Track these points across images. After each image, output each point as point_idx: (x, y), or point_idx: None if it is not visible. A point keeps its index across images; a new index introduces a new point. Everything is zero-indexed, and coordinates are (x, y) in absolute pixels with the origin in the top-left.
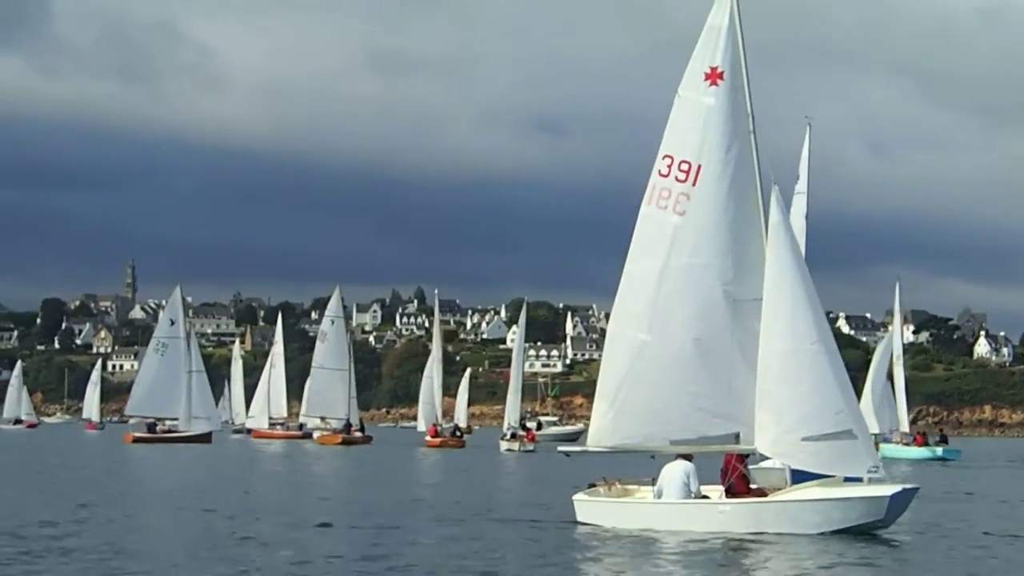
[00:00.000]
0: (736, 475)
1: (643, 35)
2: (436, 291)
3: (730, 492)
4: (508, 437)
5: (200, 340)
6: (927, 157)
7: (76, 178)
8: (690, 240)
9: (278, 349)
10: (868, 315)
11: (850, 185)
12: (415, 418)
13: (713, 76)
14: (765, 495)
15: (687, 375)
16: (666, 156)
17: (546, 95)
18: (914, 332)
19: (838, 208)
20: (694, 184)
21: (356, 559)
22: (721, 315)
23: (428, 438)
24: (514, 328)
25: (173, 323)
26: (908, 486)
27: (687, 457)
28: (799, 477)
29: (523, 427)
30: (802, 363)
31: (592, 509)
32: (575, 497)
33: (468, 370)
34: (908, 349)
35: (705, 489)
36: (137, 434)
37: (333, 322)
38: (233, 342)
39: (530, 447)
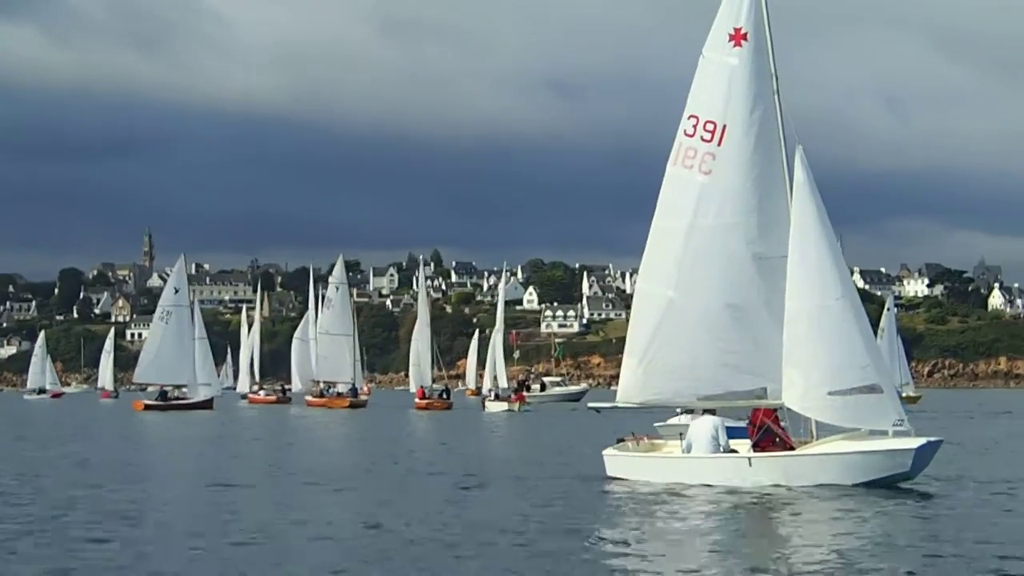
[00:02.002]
0: (763, 429)
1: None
2: (421, 256)
3: (757, 446)
4: (492, 398)
5: (218, 307)
6: (942, 113)
7: (92, 148)
8: (716, 199)
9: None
10: (883, 269)
11: (866, 142)
12: (435, 381)
13: (737, 37)
14: (792, 449)
15: (714, 332)
16: (691, 116)
17: (561, 59)
18: (928, 285)
19: (853, 164)
20: (719, 144)
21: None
22: (747, 273)
23: (417, 400)
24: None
25: (177, 291)
26: (932, 439)
27: (711, 411)
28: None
29: (522, 386)
30: (828, 319)
31: (622, 464)
32: (605, 452)
33: (477, 333)
34: (923, 302)
35: (732, 443)
36: (147, 402)
37: (338, 288)
38: (252, 308)
39: (515, 407)
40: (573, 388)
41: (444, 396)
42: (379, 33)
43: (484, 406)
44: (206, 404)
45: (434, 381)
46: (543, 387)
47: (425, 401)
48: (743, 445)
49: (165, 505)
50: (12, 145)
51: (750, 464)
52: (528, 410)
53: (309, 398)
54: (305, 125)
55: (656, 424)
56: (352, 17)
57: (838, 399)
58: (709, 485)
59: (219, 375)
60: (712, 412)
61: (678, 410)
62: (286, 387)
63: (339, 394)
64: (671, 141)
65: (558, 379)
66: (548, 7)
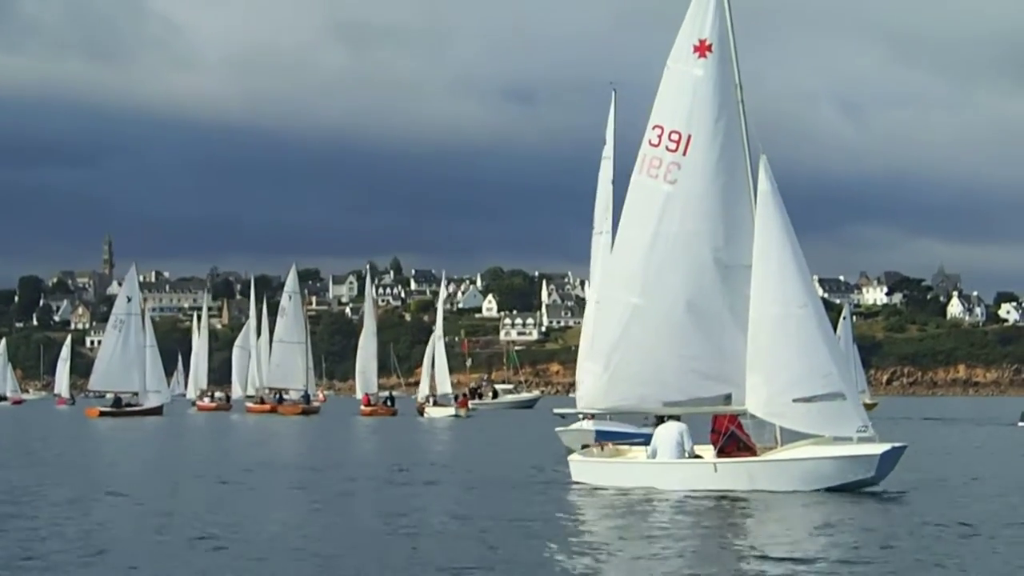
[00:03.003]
0: (728, 435)
1: (612, 3)
2: (367, 266)
3: (722, 452)
4: (431, 404)
5: (178, 314)
6: (899, 117)
7: (50, 155)
8: (681, 207)
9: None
10: (841, 277)
11: (823, 147)
12: (393, 388)
13: (702, 48)
14: (755, 454)
15: (679, 338)
16: (656, 126)
17: (515, 65)
18: (887, 293)
19: (811, 170)
20: (684, 153)
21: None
22: (712, 280)
23: (362, 407)
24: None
25: (130, 300)
26: (897, 444)
27: (675, 418)
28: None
29: (473, 393)
30: (792, 327)
31: (588, 469)
32: (571, 458)
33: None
34: (882, 310)
35: (697, 449)
36: (102, 408)
37: (291, 297)
38: (214, 316)
39: (461, 413)
40: (525, 395)
41: (389, 403)
42: (331, 39)
43: (423, 412)
44: (156, 411)
45: (385, 388)
46: (495, 394)
47: (370, 408)
48: (708, 451)
49: None
50: None
51: (715, 469)
52: (472, 415)
53: (249, 404)
54: (262, 132)
55: (558, 429)
56: (304, 23)
57: (802, 406)
58: (674, 490)
59: (170, 382)
60: (676, 418)
61: (580, 416)
62: (228, 394)
63: (291, 401)
64: (629, 147)
65: (510, 386)
66: (501, 12)
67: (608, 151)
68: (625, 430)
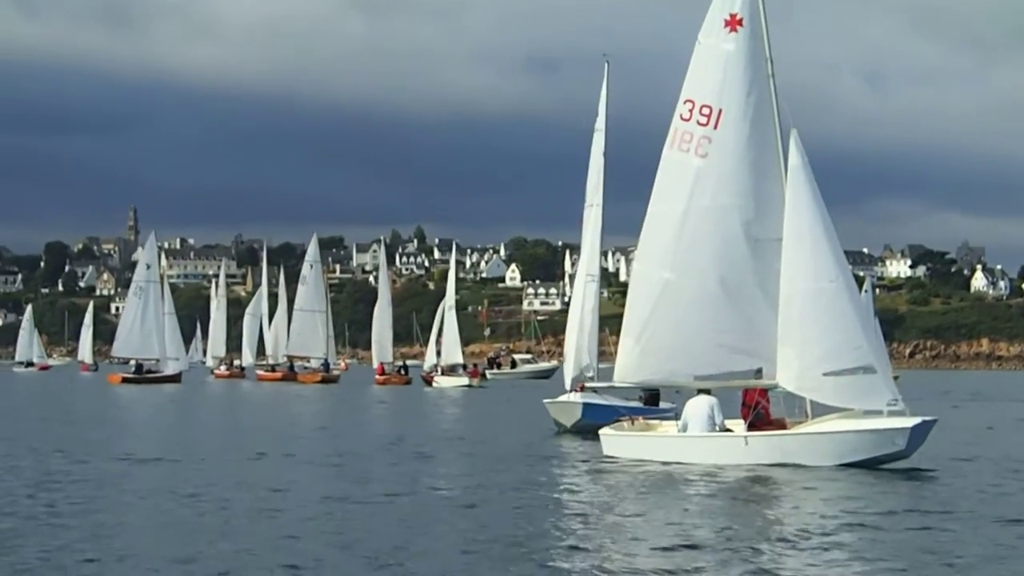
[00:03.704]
0: (756, 409)
1: None
2: (382, 237)
3: (752, 425)
4: (439, 374)
5: (202, 281)
6: (923, 90)
7: (74, 123)
8: (712, 182)
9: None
10: (865, 250)
11: (847, 119)
12: (415, 357)
13: (732, 23)
14: (785, 427)
15: (710, 312)
16: (687, 100)
17: (536, 33)
18: (911, 267)
19: (835, 143)
20: (715, 128)
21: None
22: (743, 254)
23: (376, 376)
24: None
25: (149, 267)
26: (928, 418)
27: (706, 391)
28: None
29: (492, 363)
30: (823, 300)
31: (619, 443)
32: (602, 432)
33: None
34: (905, 283)
35: (727, 422)
36: (124, 375)
37: (312, 266)
38: (238, 283)
39: (474, 383)
40: (544, 365)
41: (403, 372)
42: (353, 7)
43: (431, 382)
44: (175, 378)
45: (408, 357)
46: (513, 364)
47: (384, 377)
48: (738, 425)
49: None
50: None
51: (746, 443)
52: (484, 385)
53: (260, 372)
54: (284, 100)
55: (545, 400)
56: None
57: (833, 379)
58: (705, 464)
59: (189, 349)
60: (707, 392)
61: (567, 387)
62: (236, 361)
63: (310, 369)
64: (654, 118)
65: (528, 356)
66: None
67: (600, 123)
68: (612, 403)
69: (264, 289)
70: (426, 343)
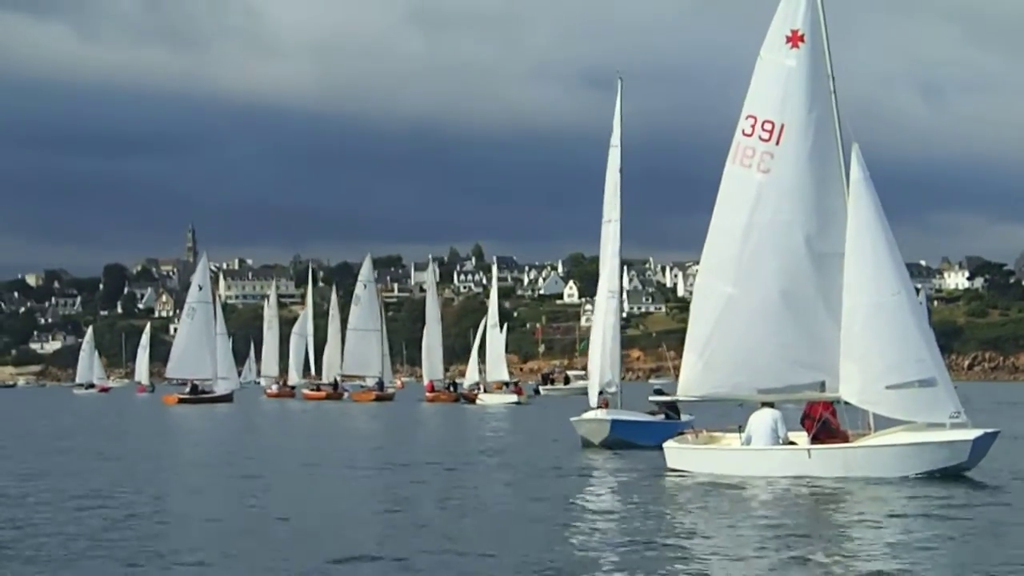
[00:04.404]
0: (821, 421)
1: None
2: (430, 256)
3: (816, 437)
4: (481, 391)
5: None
6: (979, 100)
7: (133, 144)
8: (774, 197)
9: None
10: (923, 262)
11: (903, 131)
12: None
13: (794, 39)
14: (848, 440)
15: (773, 326)
16: (749, 116)
17: (594, 49)
18: (969, 278)
19: (893, 155)
20: (777, 143)
21: None
22: (805, 268)
23: (427, 393)
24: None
25: (201, 288)
26: (989, 430)
27: (770, 405)
28: None
29: (546, 379)
30: (885, 314)
31: (683, 456)
32: (666, 444)
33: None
34: (963, 295)
35: (791, 435)
36: (180, 395)
37: (365, 286)
38: (296, 303)
39: (522, 399)
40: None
41: (451, 389)
42: (412, 25)
43: (474, 400)
44: (227, 398)
45: (456, 375)
46: (567, 380)
47: (433, 394)
48: (801, 437)
49: None
50: (53, 141)
51: (809, 456)
52: (530, 402)
53: (306, 391)
54: (343, 119)
55: (572, 418)
56: (384, 8)
57: (895, 392)
58: (769, 477)
59: (242, 370)
60: (771, 405)
61: (593, 404)
62: (285, 381)
63: (365, 387)
64: (713, 133)
65: (581, 372)
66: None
67: (615, 139)
68: (639, 419)
69: (309, 309)
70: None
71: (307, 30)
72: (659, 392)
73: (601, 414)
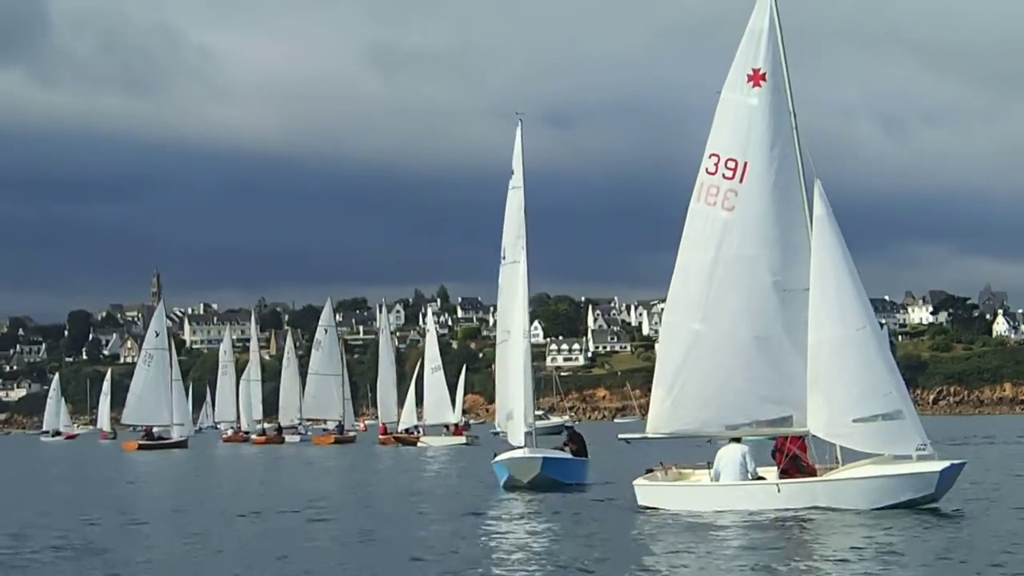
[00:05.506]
0: (791, 456)
1: (648, 23)
2: (383, 300)
3: (785, 472)
4: (421, 434)
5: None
6: (940, 131)
7: (94, 189)
8: (739, 234)
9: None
10: (887, 297)
11: (866, 164)
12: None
13: (756, 77)
14: (815, 474)
15: (740, 362)
16: (712, 155)
17: (555, 88)
18: (933, 313)
19: (855, 188)
20: (741, 180)
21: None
22: (771, 304)
23: (380, 436)
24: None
25: (158, 335)
26: (956, 461)
27: (737, 440)
28: None
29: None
30: (850, 348)
31: (653, 493)
32: (635, 482)
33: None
34: (927, 329)
35: (760, 470)
36: (140, 441)
37: (326, 331)
38: (262, 347)
39: (466, 440)
40: (555, 420)
41: (408, 432)
42: (369, 66)
43: (412, 443)
44: (182, 443)
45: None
46: None
47: (385, 436)
48: (771, 472)
49: None
50: (14, 188)
51: (779, 490)
52: (475, 443)
53: (254, 436)
54: (302, 161)
55: (498, 457)
56: (340, 50)
57: (862, 425)
58: (739, 511)
59: (199, 415)
60: (738, 440)
61: (513, 443)
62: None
63: (325, 431)
64: (673, 170)
65: (539, 412)
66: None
67: (517, 180)
68: (566, 457)
69: (255, 355)
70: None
71: (264, 72)
72: (569, 428)
73: (528, 452)
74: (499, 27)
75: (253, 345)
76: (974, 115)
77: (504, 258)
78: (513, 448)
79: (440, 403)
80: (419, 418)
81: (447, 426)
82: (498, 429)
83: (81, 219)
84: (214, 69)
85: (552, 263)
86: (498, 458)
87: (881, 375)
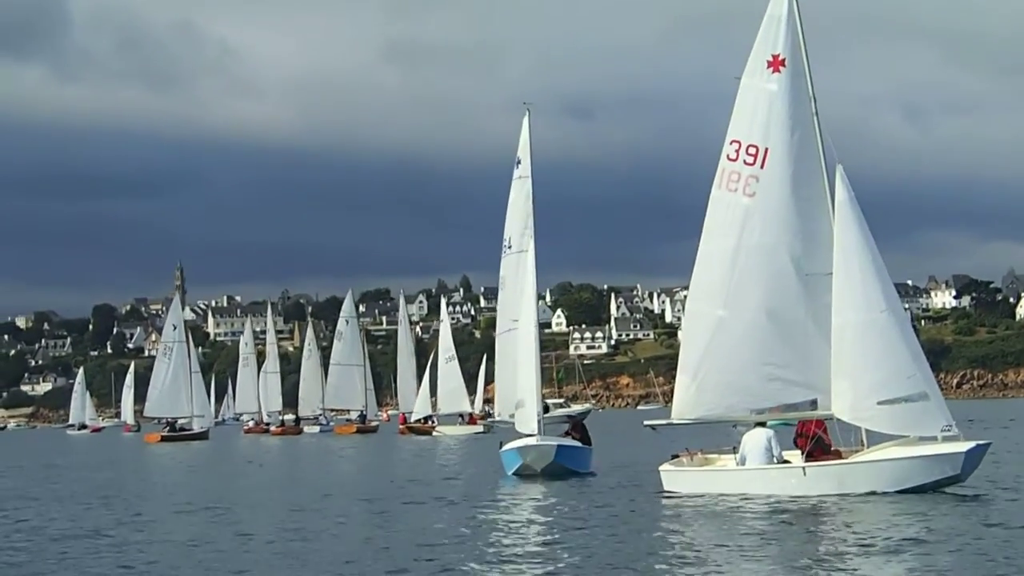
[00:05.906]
0: (815, 439)
1: (663, 13)
2: (402, 291)
3: (810, 455)
4: (436, 423)
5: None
6: (962, 120)
7: (118, 184)
8: (761, 220)
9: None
10: (909, 282)
11: (887, 152)
12: None
13: (775, 63)
14: (841, 457)
15: (764, 347)
16: (733, 141)
17: (571, 78)
18: (956, 297)
19: (877, 176)
20: (762, 167)
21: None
22: (794, 289)
23: (400, 425)
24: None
25: (175, 328)
26: (981, 442)
27: (762, 424)
28: None
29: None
30: (874, 331)
31: (679, 478)
32: (661, 468)
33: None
34: (951, 314)
35: (785, 454)
36: (163, 433)
37: (348, 322)
38: (285, 338)
39: (482, 428)
40: (576, 408)
41: (424, 420)
42: (390, 59)
43: (426, 432)
44: (202, 435)
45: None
46: (546, 408)
47: (404, 426)
48: (795, 456)
49: None
50: (38, 184)
51: (804, 473)
52: (492, 431)
53: (272, 428)
54: (325, 154)
55: (509, 445)
56: (361, 44)
57: (887, 408)
58: (765, 495)
59: (221, 407)
60: (763, 425)
61: (526, 431)
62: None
63: (347, 421)
64: (692, 158)
65: (560, 400)
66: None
67: (525, 170)
68: (578, 446)
69: (272, 347)
70: (472, 391)
71: (285, 67)
72: (572, 418)
73: (533, 441)
74: (516, 20)
75: (270, 337)
76: (995, 104)
77: (510, 247)
78: (521, 436)
79: (455, 392)
80: (434, 408)
81: (462, 415)
82: (498, 418)
83: (105, 214)
84: (235, 64)
85: (574, 252)
86: (509, 446)
87: (905, 357)
